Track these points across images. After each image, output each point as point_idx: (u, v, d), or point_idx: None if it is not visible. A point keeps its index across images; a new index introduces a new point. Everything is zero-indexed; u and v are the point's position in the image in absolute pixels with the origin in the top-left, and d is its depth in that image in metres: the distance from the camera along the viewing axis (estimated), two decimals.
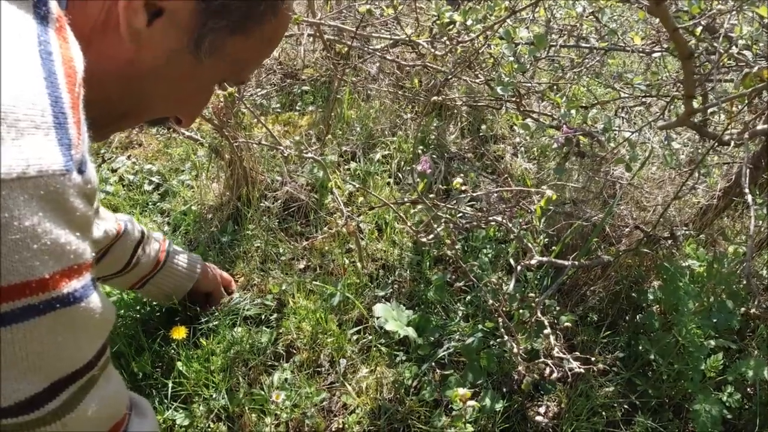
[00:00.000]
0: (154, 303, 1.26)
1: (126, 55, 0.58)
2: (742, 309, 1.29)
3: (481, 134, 1.84)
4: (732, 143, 0.91)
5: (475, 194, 1.18)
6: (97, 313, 0.49)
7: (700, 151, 1.31)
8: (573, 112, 1.01)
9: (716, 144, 0.98)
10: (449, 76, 1.18)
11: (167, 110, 0.69)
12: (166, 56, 0.60)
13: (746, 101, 0.86)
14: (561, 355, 0.83)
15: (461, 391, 0.71)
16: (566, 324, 0.94)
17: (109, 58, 0.58)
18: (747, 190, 0.93)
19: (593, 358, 0.84)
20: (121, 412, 0.60)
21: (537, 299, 0.95)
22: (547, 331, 0.88)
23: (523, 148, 1.83)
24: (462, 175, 1.05)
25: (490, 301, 1.03)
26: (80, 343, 0.49)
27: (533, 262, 1.00)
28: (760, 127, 0.86)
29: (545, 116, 1.27)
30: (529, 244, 1.00)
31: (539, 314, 0.93)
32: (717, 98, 0.82)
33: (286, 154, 1.10)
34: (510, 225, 1.00)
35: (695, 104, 0.95)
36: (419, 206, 1.23)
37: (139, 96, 0.64)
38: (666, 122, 0.90)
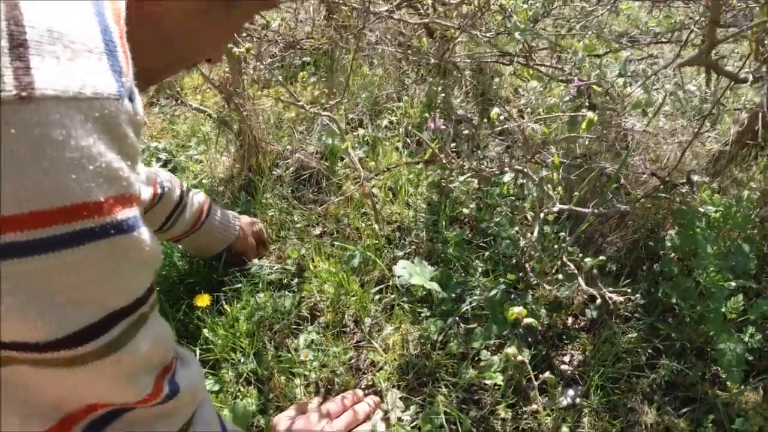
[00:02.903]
0: (175, 275, 1.26)
1: (174, 22, 0.59)
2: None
3: (483, 97, 1.83)
4: (750, 79, 0.91)
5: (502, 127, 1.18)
6: (148, 246, 0.49)
7: (710, 98, 1.30)
8: (586, 57, 1.01)
9: (733, 83, 0.97)
10: (457, 32, 1.17)
11: (199, 58, 0.70)
12: (207, 14, 0.60)
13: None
14: (593, 291, 0.83)
15: (517, 309, 0.71)
16: (592, 265, 0.95)
17: (157, 23, 0.59)
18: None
19: (620, 297, 0.85)
20: (170, 356, 0.60)
21: (561, 244, 0.96)
22: (573, 270, 0.88)
23: (529, 110, 1.82)
24: (497, 110, 1.04)
25: (515, 249, 1.03)
26: (132, 276, 0.49)
27: (555, 209, 1.01)
28: None
29: (556, 69, 1.26)
30: (549, 192, 1.00)
31: (564, 259, 0.93)
32: (740, 28, 0.81)
33: (306, 107, 1.09)
34: (530, 172, 1.00)
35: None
36: (433, 166, 1.23)
37: (180, 53, 0.66)
38: (685, 59, 0.89)
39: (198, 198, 1.19)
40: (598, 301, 0.81)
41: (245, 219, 1.30)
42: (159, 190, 1.08)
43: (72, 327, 0.45)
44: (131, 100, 0.47)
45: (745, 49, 1.28)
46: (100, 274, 0.45)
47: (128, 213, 0.46)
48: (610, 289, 0.82)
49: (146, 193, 1.06)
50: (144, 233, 0.49)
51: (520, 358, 0.74)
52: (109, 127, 0.44)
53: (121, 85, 0.45)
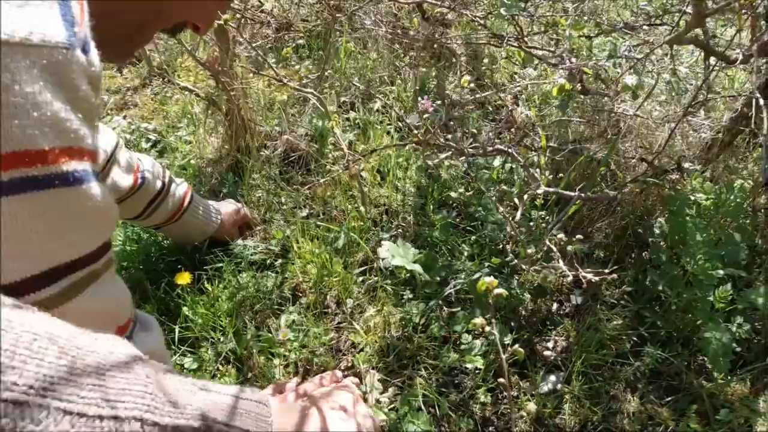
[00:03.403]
0: (156, 252, 1.25)
1: None
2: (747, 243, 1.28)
3: (478, 83, 1.81)
4: (739, 59, 0.89)
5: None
6: (99, 202, 0.48)
7: (700, 78, 1.28)
8: (575, 36, 0.99)
9: (721, 63, 0.95)
10: (447, 11, 1.15)
11: (181, 13, 0.68)
12: None
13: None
14: (570, 270, 0.81)
15: (488, 279, 0.69)
16: (573, 250, 0.93)
17: None
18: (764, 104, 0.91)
19: (605, 275, 0.83)
20: (124, 319, 0.59)
21: (546, 226, 0.94)
22: (554, 251, 0.86)
23: (524, 97, 1.80)
24: (467, 78, 1.03)
25: (500, 234, 1.02)
26: (81, 231, 0.48)
27: (539, 191, 0.99)
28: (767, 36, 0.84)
29: (548, 51, 1.24)
30: (535, 174, 0.98)
31: (547, 242, 0.92)
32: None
33: (284, 81, 1.07)
34: (516, 154, 0.98)
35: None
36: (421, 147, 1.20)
37: (156, 8, 0.64)
38: (674, 36, 0.87)
39: (180, 190, 1.18)
40: (583, 278, 0.80)
41: (227, 207, 1.28)
42: (139, 180, 1.08)
43: (12, 277, 0.44)
44: (85, 51, 0.46)
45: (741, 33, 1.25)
46: (44, 225, 0.45)
47: (76, 166, 0.45)
48: (588, 270, 0.80)
49: (126, 181, 1.06)
50: (94, 188, 0.48)
51: (488, 329, 0.73)
52: (58, 76, 0.43)
53: (72, 35, 0.44)
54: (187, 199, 1.19)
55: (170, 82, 1.37)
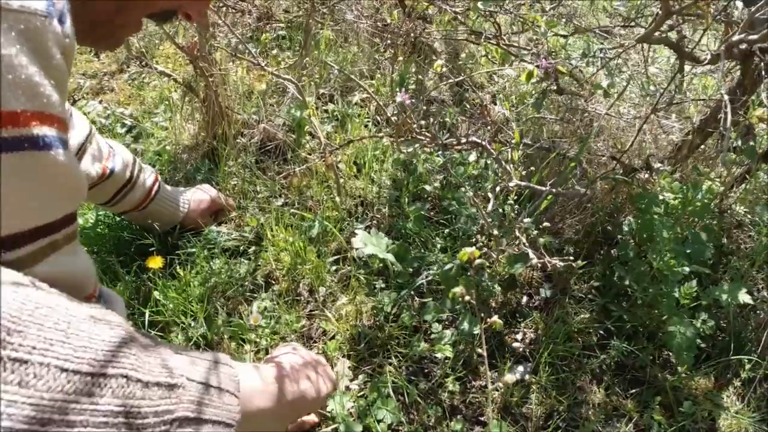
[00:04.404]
0: (128, 236, 1.24)
1: None
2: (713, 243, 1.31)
3: (459, 79, 1.83)
4: (707, 59, 0.91)
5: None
6: (66, 170, 0.48)
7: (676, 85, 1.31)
8: (549, 32, 1.00)
9: (690, 62, 0.97)
10: (427, 6, 1.16)
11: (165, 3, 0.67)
12: None
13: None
14: (536, 255, 0.83)
15: (469, 249, 0.72)
16: (543, 243, 0.95)
17: None
18: (728, 111, 0.93)
19: (570, 261, 0.85)
20: (88, 290, 0.59)
21: (518, 218, 0.96)
22: (522, 239, 0.88)
23: (502, 96, 1.82)
24: (440, 62, 1.04)
25: (473, 227, 1.03)
26: (46, 198, 0.48)
27: (511, 184, 1.00)
28: (736, 37, 0.86)
29: (524, 50, 1.26)
30: (507, 167, 1.00)
31: (517, 233, 0.93)
32: None
33: (261, 64, 1.07)
34: (489, 147, 0.99)
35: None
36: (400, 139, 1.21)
37: None
38: (643, 34, 0.89)
39: (148, 180, 1.19)
40: (548, 263, 0.81)
41: (197, 195, 1.28)
42: (108, 170, 1.10)
43: None
44: (61, 22, 0.47)
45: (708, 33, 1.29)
46: (9, 188, 0.44)
47: (46, 131, 0.46)
48: (555, 258, 0.82)
49: (95, 169, 1.07)
50: (62, 156, 0.48)
51: (467, 298, 0.75)
52: (35, 43, 0.44)
53: (51, 5, 0.45)
54: (154, 190, 1.19)
55: (147, 65, 1.36)
